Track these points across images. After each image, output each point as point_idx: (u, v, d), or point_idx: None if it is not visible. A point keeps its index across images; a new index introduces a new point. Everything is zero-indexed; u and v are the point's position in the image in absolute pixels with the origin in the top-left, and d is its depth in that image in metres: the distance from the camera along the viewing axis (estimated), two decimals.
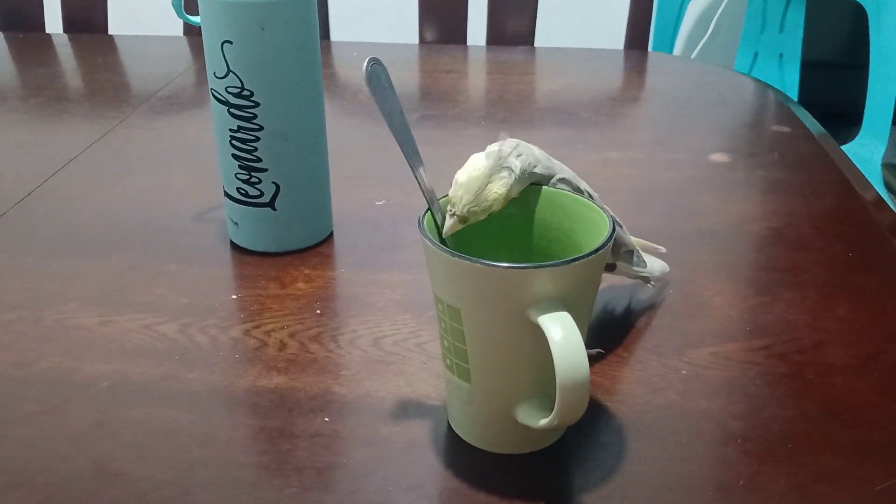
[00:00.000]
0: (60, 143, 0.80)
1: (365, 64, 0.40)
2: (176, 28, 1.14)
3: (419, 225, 0.39)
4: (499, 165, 0.40)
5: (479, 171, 0.40)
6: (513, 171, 0.40)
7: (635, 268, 0.51)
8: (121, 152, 0.78)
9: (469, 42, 1.15)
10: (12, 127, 0.85)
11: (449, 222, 0.40)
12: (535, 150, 0.43)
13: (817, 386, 0.46)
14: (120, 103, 0.90)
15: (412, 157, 0.41)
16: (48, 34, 1.18)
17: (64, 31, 1.19)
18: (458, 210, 0.40)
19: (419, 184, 0.41)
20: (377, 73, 0.40)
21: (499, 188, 0.40)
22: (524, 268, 0.35)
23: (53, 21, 1.20)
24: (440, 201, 0.41)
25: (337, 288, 0.56)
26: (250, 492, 0.39)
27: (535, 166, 0.42)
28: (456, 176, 0.40)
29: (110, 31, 1.20)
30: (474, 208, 0.40)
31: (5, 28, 1.20)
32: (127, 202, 0.68)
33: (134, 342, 0.50)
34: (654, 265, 0.53)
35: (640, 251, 0.51)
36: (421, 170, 0.41)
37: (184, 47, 1.12)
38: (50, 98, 0.92)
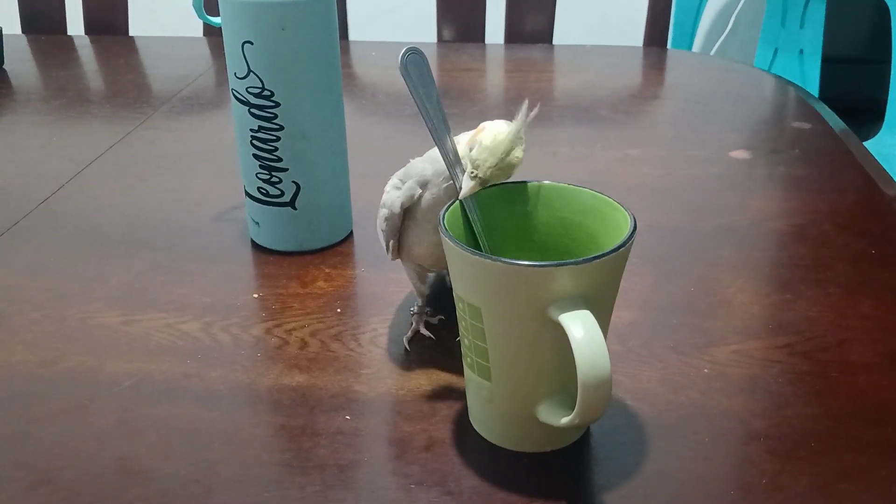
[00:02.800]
0: (83, 144, 0.80)
1: (401, 53, 0.40)
2: (196, 29, 1.15)
3: (439, 224, 0.39)
4: (520, 131, 0.41)
5: (504, 136, 0.41)
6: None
7: None
8: (142, 153, 0.78)
9: (487, 40, 1.15)
10: (35, 128, 0.86)
11: (469, 184, 0.41)
12: None
13: (841, 384, 0.46)
14: (141, 104, 0.90)
15: (449, 155, 0.41)
16: (70, 36, 1.19)
17: (85, 33, 1.20)
18: (480, 173, 0.41)
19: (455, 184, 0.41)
20: (415, 63, 0.41)
21: (520, 153, 0.41)
22: (545, 266, 0.35)
23: (75, 23, 1.21)
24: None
25: (357, 287, 0.56)
26: (273, 489, 0.39)
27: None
28: (479, 138, 0.41)
29: (131, 33, 1.21)
30: (497, 171, 0.41)
31: (28, 30, 1.21)
32: (149, 202, 0.68)
33: (157, 341, 0.50)
34: None
35: None
36: (458, 170, 0.42)
37: (204, 48, 1.13)
38: (72, 99, 0.93)
